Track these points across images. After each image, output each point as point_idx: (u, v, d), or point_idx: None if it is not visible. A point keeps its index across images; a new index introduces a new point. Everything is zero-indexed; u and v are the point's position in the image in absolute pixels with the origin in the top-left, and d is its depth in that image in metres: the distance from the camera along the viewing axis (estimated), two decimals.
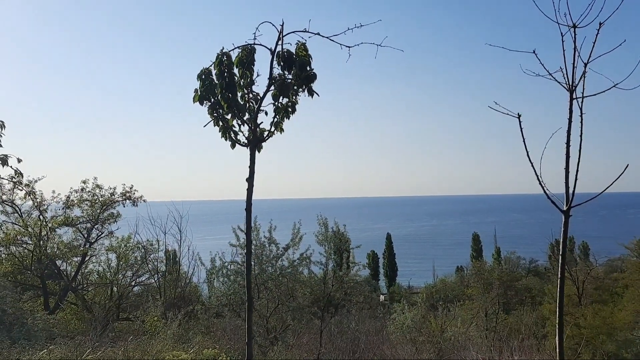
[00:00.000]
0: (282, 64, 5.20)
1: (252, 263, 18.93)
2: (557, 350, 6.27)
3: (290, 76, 5.28)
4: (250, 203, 5.45)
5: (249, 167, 5.42)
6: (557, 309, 6.41)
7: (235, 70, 5.26)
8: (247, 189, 5.41)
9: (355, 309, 19.41)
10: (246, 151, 5.51)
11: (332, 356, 13.50)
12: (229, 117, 5.36)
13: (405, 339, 22.04)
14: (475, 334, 32.86)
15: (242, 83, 5.30)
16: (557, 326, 6.40)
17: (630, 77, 6.06)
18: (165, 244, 23.69)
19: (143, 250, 22.93)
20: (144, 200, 23.92)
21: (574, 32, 6.20)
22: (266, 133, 5.47)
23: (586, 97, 6.28)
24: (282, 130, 5.44)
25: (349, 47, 5.03)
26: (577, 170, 6.28)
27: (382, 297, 69.98)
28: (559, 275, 6.49)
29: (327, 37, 5.06)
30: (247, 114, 5.40)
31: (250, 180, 5.40)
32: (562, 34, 6.26)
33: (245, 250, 18.37)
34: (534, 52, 6.52)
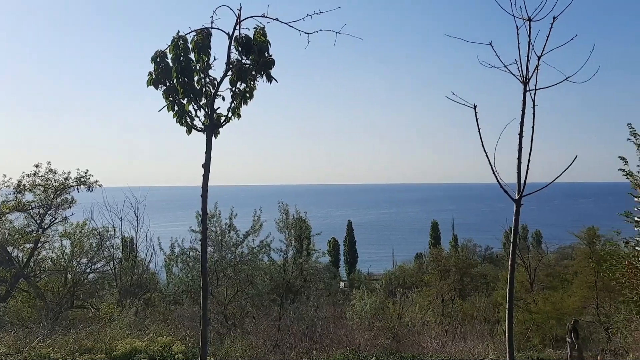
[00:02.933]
0: (239, 49, 5.12)
1: (212, 250, 18.81)
2: (507, 335, 6.47)
3: (248, 61, 5.21)
4: (206, 189, 5.38)
5: (205, 152, 5.34)
6: (507, 295, 6.61)
7: (192, 55, 5.15)
8: (203, 175, 5.33)
9: (314, 296, 19.55)
10: (204, 137, 5.43)
11: (290, 342, 13.57)
12: (184, 101, 5.25)
13: (364, 325, 22.37)
14: (431, 319, 33.62)
15: (198, 67, 5.20)
16: (507, 311, 6.60)
17: (581, 71, 6.25)
18: (121, 230, 23.22)
19: (99, 237, 22.40)
20: (100, 186, 23.29)
21: (529, 25, 6.32)
22: (223, 119, 5.39)
23: (539, 89, 6.44)
24: (239, 116, 5.37)
25: (308, 33, 4.99)
26: (529, 161, 6.43)
27: (342, 284, 70.60)
28: (510, 262, 6.68)
29: (285, 23, 5.01)
30: (203, 99, 5.30)
31: (206, 166, 5.32)
32: (517, 27, 6.38)
33: None
34: (490, 44, 6.62)
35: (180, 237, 20.13)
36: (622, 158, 14.92)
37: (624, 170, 14.91)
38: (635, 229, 15.16)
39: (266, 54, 5.12)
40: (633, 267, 13.63)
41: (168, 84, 5.20)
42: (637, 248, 14.77)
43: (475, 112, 6.74)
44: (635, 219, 14.86)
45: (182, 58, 5.04)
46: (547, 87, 6.59)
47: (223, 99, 5.33)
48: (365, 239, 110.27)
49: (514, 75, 6.60)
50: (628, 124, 14.92)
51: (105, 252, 22.90)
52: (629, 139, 14.73)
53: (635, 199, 15.35)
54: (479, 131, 6.74)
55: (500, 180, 6.56)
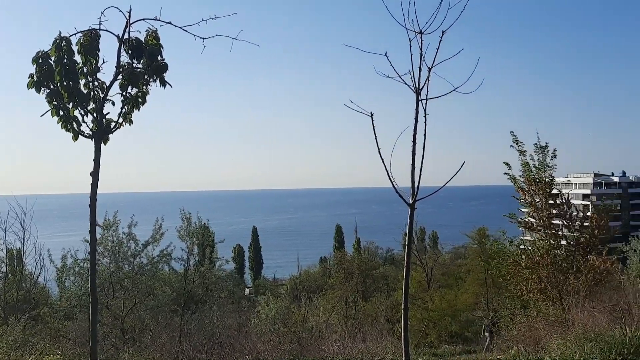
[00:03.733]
0: (130, 52, 4.89)
1: (108, 261, 17.88)
2: (402, 334, 6.72)
3: (140, 65, 4.99)
4: (94, 199, 5.07)
5: (94, 160, 5.03)
6: (403, 296, 6.86)
7: (78, 57, 4.85)
8: (91, 184, 5.02)
9: (217, 305, 19.16)
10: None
11: (190, 354, 13.18)
12: (70, 106, 4.92)
13: (269, 331, 22.27)
14: (335, 322, 34.17)
15: (85, 70, 4.90)
16: (402, 311, 6.86)
17: (469, 82, 6.64)
18: (5, 242, 21.39)
19: None
20: None
21: (421, 38, 6.62)
22: (113, 124, 5.12)
23: (429, 99, 6.77)
24: (131, 121, 5.12)
25: (203, 38, 4.88)
26: (421, 166, 6.72)
27: (247, 291, 70.06)
28: (405, 264, 6.94)
29: (179, 27, 4.86)
30: (91, 104, 5.01)
31: (95, 174, 5.02)
32: (409, 39, 6.67)
33: (99, 247, 17.26)
34: (385, 54, 6.85)
35: (74, 247, 18.93)
36: (507, 163, 16.08)
37: (508, 174, 16.08)
38: (519, 228, 16.40)
39: (159, 58, 4.95)
40: (517, 265, 14.71)
41: (52, 87, 4.86)
42: (520, 247, 15.98)
43: (372, 120, 6.93)
44: (519, 219, 16.08)
45: (65, 60, 4.72)
46: (437, 97, 6.93)
47: (113, 103, 5.06)
48: (270, 244, 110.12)
49: (407, 85, 6.87)
50: (511, 132, 16.09)
51: None
52: (511, 146, 15.89)
53: (519, 201, 16.63)
54: (376, 138, 6.92)
55: (395, 185, 6.79)
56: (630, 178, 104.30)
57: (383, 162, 6.70)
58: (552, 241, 14.52)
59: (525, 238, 17.44)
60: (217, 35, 4.80)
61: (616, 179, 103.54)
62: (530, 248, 15.32)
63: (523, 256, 14.76)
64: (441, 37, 6.56)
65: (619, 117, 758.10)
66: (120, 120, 5.09)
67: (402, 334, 6.72)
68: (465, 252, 51.78)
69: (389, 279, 47.61)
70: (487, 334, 21.33)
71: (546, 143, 15.43)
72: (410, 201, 6.78)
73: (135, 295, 17.23)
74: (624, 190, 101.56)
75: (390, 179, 6.75)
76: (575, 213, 14.90)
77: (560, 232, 15.00)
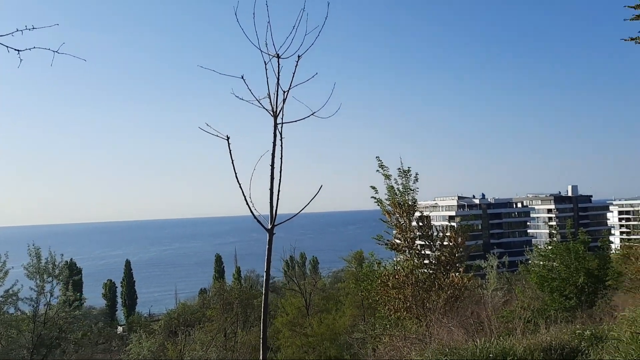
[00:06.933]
0: None
1: None
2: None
3: None
4: None
5: None
6: (261, 323, 6.63)
7: None
8: None
9: (72, 348, 17.48)
10: None
11: None
12: None
13: None
14: (214, 355, 32.94)
15: None
16: (261, 339, 6.63)
17: (326, 106, 6.70)
18: None
19: None
20: None
21: (278, 61, 6.60)
22: None
23: (286, 123, 6.73)
24: None
25: (19, 50, 4.34)
26: (279, 191, 6.63)
27: (120, 329, 65.59)
28: (264, 291, 6.72)
29: None
30: None
31: None
32: (265, 62, 6.62)
33: None
34: (242, 77, 6.72)
35: None
36: (373, 187, 16.66)
37: (375, 198, 16.65)
38: (386, 250, 16.99)
39: None
40: (385, 285, 15.17)
41: None
42: (386, 268, 16.53)
43: (229, 143, 6.72)
44: (386, 241, 16.66)
45: None
46: (295, 121, 6.91)
47: None
48: (146, 277, 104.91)
49: (265, 109, 6.79)
50: (377, 157, 16.71)
51: None
52: (377, 170, 16.51)
53: (385, 224, 17.26)
54: (232, 162, 6.72)
55: (254, 212, 6.63)
56: (489, 200, 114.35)
57: (240, 187, 6.50)
58: (416, 260, 15.18)
59: (399, 259, 18.11)
60: (35, 47, 4.28)
61: (477, 201, 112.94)
62: (396, 268, 15.90)
63: (390, 277, 15.26)
64: (297, 62, 6.58)
65: (480, 143, 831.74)
66: None
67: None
68: (344, 275, 52.95)
69: (270, 307, 47.14)
70: None
71: (408, 167, 16.25)
72: (269, 227, 6.64)
73: None
74: (484, 211, 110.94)
75: (248, 204, 6.54)
76: (436, 233, 15.75)
77: (423, 252, 15.75)
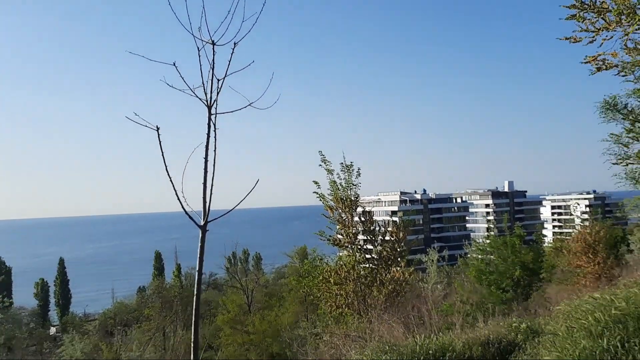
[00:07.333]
0: None
1: None
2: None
3: None
4: None
5: None
6: (193, 324, 6.26)
7: None
8: None
9: None
10: None
11: None
12: None
13: None
14: (152, 355, 32.00)
15: None
16: (192, 338, 6.25)
17: (266, 96, 6.36)
18: None
19: None
20: None
21: (213, 49, 6.19)
22: None
23: (220, 113, 6.35)
24: None
25: None
26: (212, 185, 6.25)
27: (53, 330, 62.98)
28: (196, 290, 6.36)
29: None
30: None
31: None
32: (198, 48, 6.20)
33: None
34: (174, 64, 6.28)
35: None
36: (316, 182, 16.43)
37: (317, 193, 16.43)
38: (328, 245, 16.83)
39: None
40: (326, 282, 14.99)
41: None
42: (329, 264, 16.37)
43: (159, 135, 6.28)
44: (328, 237, 16.49)
45: None
46: (231, 112, 6.54)
47: None
48: (82, 276, 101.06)
49: (199, 98, 6.38)
50: (319, 151, 16.48)
51: None
52: (320, 165, 16.28)
53: (328, 219, 17.07)
54: (163, 154, 6.27)
55: (185, 207, 6.23)
56: (430, 195, 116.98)
57: (171, 181, 6.08)
58: (358, 256, 15.08)
59: (341, 254, 17.95)
60: None
61: (418, 196, 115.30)
62: (338, 264, 15.76)
63: (332, 273, 15.09)
64: (233, 49, 6.21)
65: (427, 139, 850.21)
66: None
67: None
68: (287, 271, 52.71)
69: (212, 304, 46.31)
70: None
71: (351, 162, 16.11)
72: (202, 223, 6.26)
73: None
74: (425, 206, 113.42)
75: (179, 199, 6.14)
76: (377, 229, 15.71)
77: (365, 247, 15.67)
